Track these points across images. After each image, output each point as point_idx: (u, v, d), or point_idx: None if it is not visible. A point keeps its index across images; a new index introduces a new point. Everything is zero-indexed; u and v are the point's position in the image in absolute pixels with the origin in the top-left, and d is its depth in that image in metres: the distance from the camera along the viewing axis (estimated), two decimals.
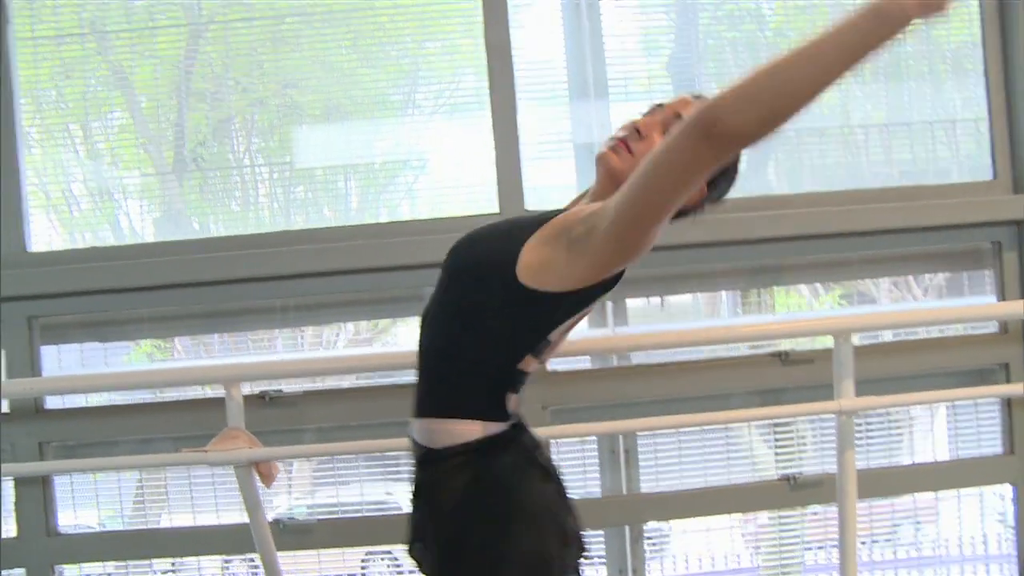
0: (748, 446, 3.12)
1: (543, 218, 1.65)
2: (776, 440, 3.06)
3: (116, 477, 3.07)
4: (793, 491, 2.90)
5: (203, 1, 3.09)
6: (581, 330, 2.92)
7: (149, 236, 3.13)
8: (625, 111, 2.97)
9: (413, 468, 1.73)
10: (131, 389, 2.93)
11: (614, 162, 1.67)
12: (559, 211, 1.69)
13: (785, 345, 2.92)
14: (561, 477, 1.70)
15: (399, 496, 3.19)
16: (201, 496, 3.02)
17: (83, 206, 3.14)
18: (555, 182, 3.04)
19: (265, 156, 3.22)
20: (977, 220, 2.96)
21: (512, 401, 1.68)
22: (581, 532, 1.69)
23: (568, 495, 1.70)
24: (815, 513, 3.09)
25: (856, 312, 3.27)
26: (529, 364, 1.67)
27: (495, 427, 1.65)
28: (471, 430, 1.63)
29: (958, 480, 3.04)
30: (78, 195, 3.14)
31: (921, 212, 2.94)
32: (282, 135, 3.17)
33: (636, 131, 1.67)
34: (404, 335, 3.36)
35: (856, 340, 2.60)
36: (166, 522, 3.08)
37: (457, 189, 3.13)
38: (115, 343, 3.11)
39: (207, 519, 3.01)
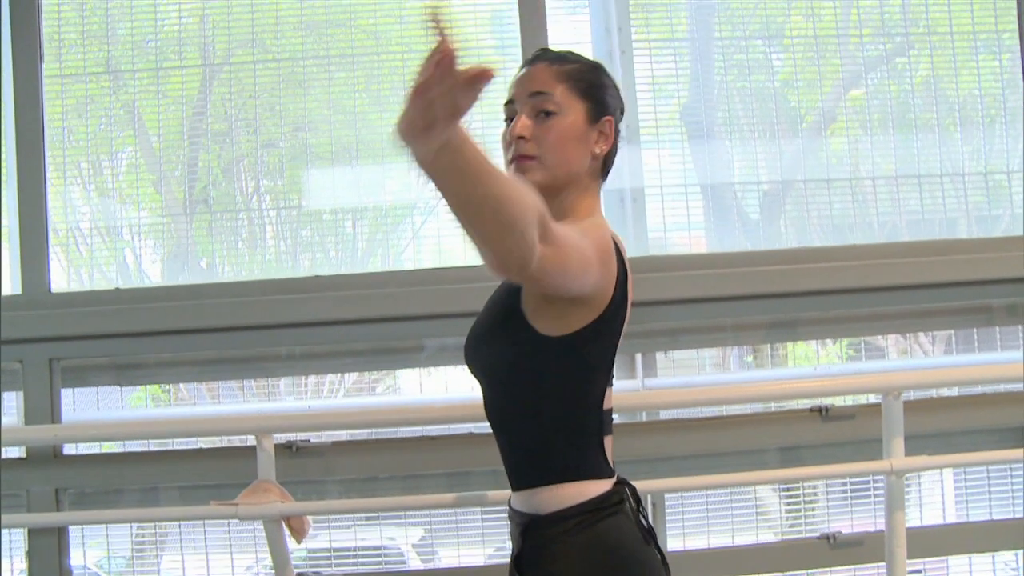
0: (775, 503, 3.11)
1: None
2: (803, 497, 3.05)
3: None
4: (833, 550, 2.85)
5: (217, 43, 3.13)
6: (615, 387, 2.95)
7: (157, 275, 3.14)
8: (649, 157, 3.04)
9: (515, 538, 1.67)
10: (161, 438, 2.89)
11: (534, 178, 1.61)
12: None
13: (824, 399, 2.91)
14: (656, 537, 1.66)
15: (400, 541, 3.18)
16: (213, 540, 2.98)
17: (91, 244, 3.15)
18: None
19: (273, 198, 3.24)
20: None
21: (609, 447, 1.65)
22: None
23: (664, 557, 1.65)
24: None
25: (905, 367, 3.23)
26: (609, 398, 1.66)
27: (604, 485, 1.61)
28: (582, 491, 1.59)
29: (997, 543, 2.98)
30: (86, 233, 3.14)
31: (964, 266, 2.95)
32: (291, 177, 3.19)
33: (521, 139, 1.63)
34: (407, 382, 3.35)
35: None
36: (167, 563, 3.05)
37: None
38: (129, 387, 3.09)
39: (215, 563, 2.97)
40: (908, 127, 3.16)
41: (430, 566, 3.13)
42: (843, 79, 3.21)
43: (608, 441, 1.65)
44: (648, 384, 2.95)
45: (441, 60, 1.03)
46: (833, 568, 2.95)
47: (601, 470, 1.62)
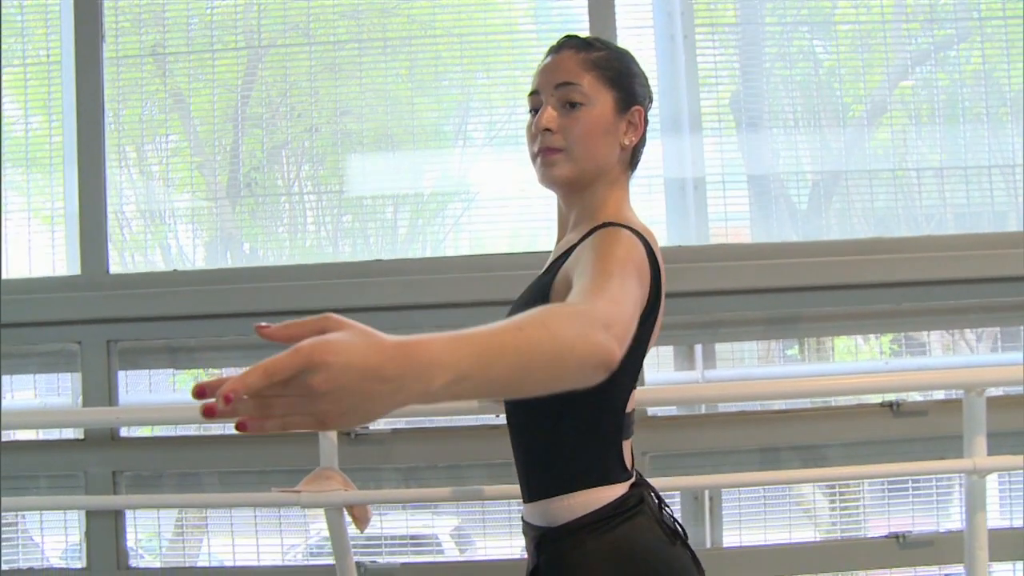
0: (834, 500, 3.10)
1: (549, 281, 1.57)
2: (863, 495, 3.05)
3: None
4: (902, 550, 2.82)
5: (263, 28, 3.17)
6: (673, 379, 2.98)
7: (200, 259, 3.19)
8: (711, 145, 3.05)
9: (529, 552, 1.63)
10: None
11: (562, 172, 1.61)
12: (558, 264, 1.59)
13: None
14: (686, 535, 1.62)
15: (440, 531, 3.23)
16: (240, 524, 3.03)
17: (134, 227, 3.21)
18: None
19: (315, 183, 3.28)
20: None
21: (628, 450, 1.61)
22: None
23: (695, 556, 1.61)
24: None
25: (988, 363, 3.19)
26: (632, 402, 1.61)
27: (619, 489, 1.56)
28: (597, 498, 1.54)
29: None
30: (131, 216, 3.20)
31: (1013, 261, 2.92)
32: (334, 163, 3.23)
33: (547, 131, 1.61)
34: None
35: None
36: (206, 549, 3.10)
37: (507, 224, 3.18)
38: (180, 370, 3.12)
39: (248, 549, 3.01)
40: (957, 118, 3.15)
41: (468, 556, 3.16)
42: (893, 69, 3.20)
43: (627, 444, 1.61)
44: (708, 376, 2.94)
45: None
46: (901, 568, 2.93)
47: (615, 474, 1.57)
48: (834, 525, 3.09)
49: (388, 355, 0.93)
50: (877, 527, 2.95)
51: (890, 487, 3.00)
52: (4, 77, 3.03)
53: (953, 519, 2.96)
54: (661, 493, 1.66)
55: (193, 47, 3.17)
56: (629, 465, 1.61)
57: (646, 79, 1.70)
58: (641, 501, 1.57)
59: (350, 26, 3.16)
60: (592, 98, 1.60)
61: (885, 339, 3.36)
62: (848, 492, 3.09)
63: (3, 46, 3.06)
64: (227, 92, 3.19)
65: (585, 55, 1.63)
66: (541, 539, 1.58)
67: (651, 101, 1.70)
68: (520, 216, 3.15)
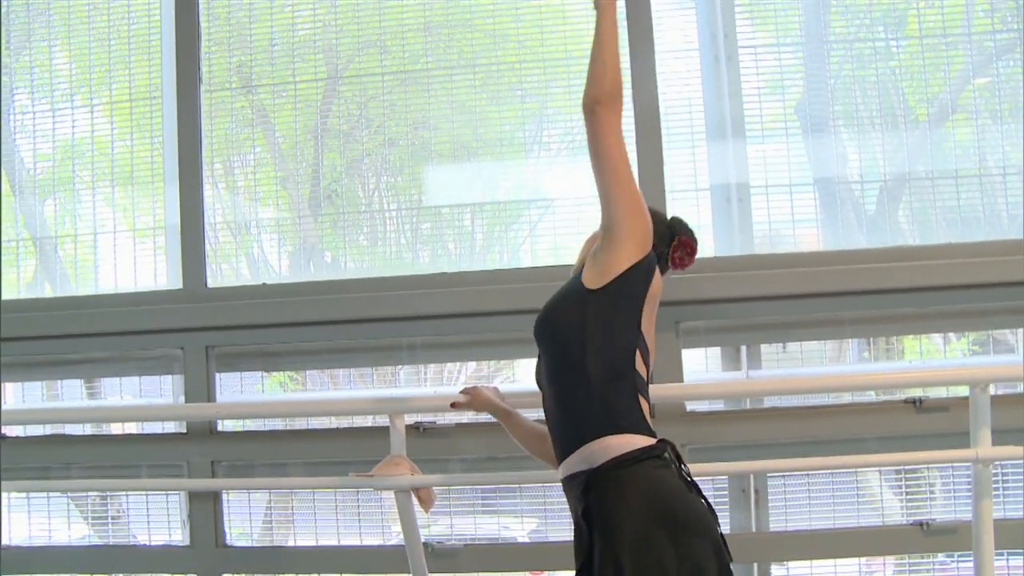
0: (878, 490, 3.27)
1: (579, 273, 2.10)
2: (906, 486, 3.21)
3: (247, 496, 3.48)
4: (926, 537, 3.02)
5: (342, 46, 3.45)
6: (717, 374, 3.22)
7: (285, 269, 3.50)
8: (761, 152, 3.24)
9: (576, 499, 1.96)
10: (309, 416, 3.37)
11: None
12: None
13: (919, 391, 3.05)
14: (700, 490, 1.96)
15: (515, 530, 3.46)
16: (323, 518, 3.39)
17: (222, 239, 3.53)
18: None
19: (394, 194, 3.54)
20: None
21: (647, 409, 1.98)
22: (726, 541, 1.94)
23: (711, 505, 1.95)
24: (941, 562, 3.22)
25: (993, 361, 3.36)
26: (641, 365, 1.99)
27: (647, 440, 1.94)
28: (628, 442, 1.92)
29: None
30: (218, 229, 3.52)
31: None
32: (411, 173, 3.48)
33: None
34: (525, 371, 3.59)
35: (992, 389, 2.69)
36: (291, 542, 3.46)
37: (584, 230, 3.36)
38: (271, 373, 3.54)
39: (329, 541, 3.36)
40: None
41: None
42: (967, 67, 3.27)
43: (646, 406, 1.99)
44: (752, 375, 3.18)
45: None
46: (926, 554, 3.14)
47: (642, 427, 1.95)
48: (876, 516, 3.24)
49: None
50: (912, 516, 3.13)
51: (934, 480, 3.19)
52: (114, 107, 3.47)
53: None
54: (704, 477, 2.09)
55: (276, 67, 3.47)
56: (651, 424, 1.98)
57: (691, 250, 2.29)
58: (664, 454, 1.94)
59: (426, 42, 3.41)
60: None
61: (965, 341, 3.46)
62: (891, 485, 3.26)
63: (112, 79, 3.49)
64: (308, 108, 3.48)
65: None
66: (587, 483, 1.93)
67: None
68: (596, 222, 3.33)
